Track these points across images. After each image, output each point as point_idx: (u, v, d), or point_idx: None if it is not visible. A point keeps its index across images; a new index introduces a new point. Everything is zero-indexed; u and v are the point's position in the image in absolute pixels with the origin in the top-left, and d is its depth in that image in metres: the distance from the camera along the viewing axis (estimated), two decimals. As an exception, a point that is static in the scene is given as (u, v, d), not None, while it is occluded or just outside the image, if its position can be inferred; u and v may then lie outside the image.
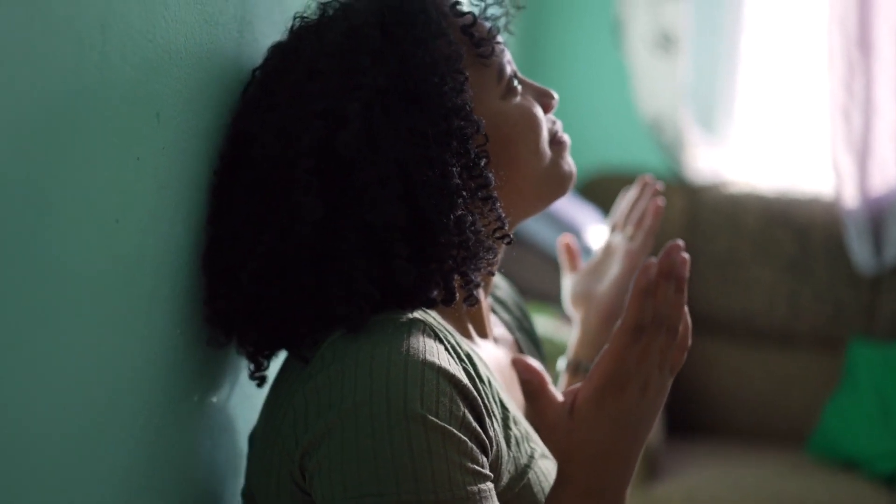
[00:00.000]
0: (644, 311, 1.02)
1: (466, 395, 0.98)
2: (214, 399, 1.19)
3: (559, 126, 1.20)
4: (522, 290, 3.00)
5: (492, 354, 1.18)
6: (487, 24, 1.17)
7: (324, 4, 1.14)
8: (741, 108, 3.65)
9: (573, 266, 1.49)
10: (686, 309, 1.06)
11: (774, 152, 3.65)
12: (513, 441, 1.06)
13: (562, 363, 1.44)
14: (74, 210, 0.87)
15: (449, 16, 1.13)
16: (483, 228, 1.06)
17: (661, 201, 1.42)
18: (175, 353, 1.07)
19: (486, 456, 1.00)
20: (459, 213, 1.03)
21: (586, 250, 3.00)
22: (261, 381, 1.13)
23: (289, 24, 1.14)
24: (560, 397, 1.08)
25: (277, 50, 1.13)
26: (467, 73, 1.09)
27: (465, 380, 0.98)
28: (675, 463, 2.91)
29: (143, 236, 0.98)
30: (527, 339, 1.39)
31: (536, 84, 1.20)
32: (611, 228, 1.49)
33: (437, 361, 0.97)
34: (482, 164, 1.07)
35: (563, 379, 1.45)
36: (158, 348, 1.03)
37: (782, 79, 3.62)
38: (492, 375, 1.07)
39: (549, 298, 2.99)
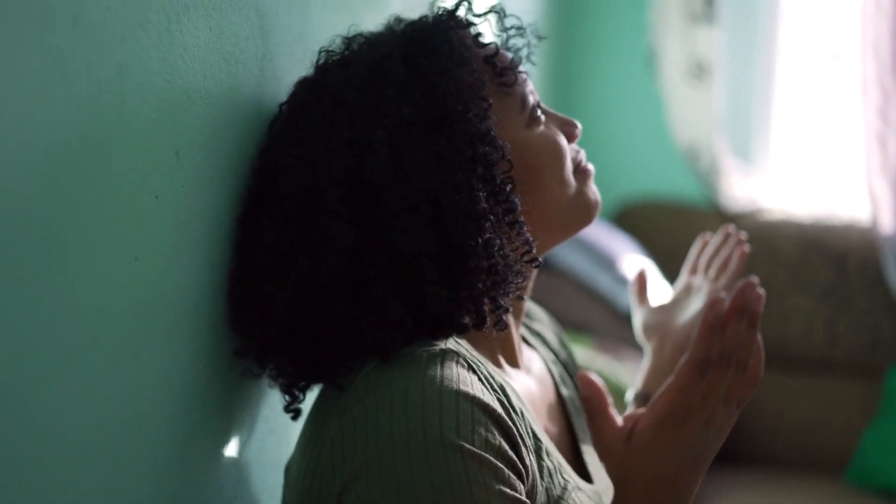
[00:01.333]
0: (711, 346, 1.02)
1: (501, 425, 0.98)
2: (238, 433, 1.19)
3: (583, 155, 1.21)
4: (558, 320, 3.01)
5: (523, 385, 1.18)
6: (510, 55, 1.18)
7: (348, 39, 1.16)
8: (776, 136, 3.63)
9: (644, 298, 1.48)
10: (760, 342, 1.06)
11: (810, 179, 3.63)
12: (545, 472, 1.06)
13: (630, 394, 1.43)
14: (93, 248, 0.88)
15: (472, 47, 1.15)
16: (511, 253, 1.07)
17: (746, 248, 1.43)
18: (197, 389, 1.08)
19: (524, 484, 1.00)
20: (487, 236, 1.04)
21: (621, 280, 2.99)
22: (295, 415, 1.14)
23: (314, 59, 1.16)
24: (620, 420, 1.10)
25: (303, 85, 1.15)
26: (491, 101, 1.10)
27: (500, 409, 0.99)
28: (712, 492, 2.88)
29: (162, 274, 0.99)
30: (565, 373, 1.38)
31: (559, 114, 1.21)
32: (689, 271, 1.48)
33: (470, 391, 0.97)
34: (508, 189, 1.08)
35: (631, 411, 1.44)
36: (179, 384, 1.04)
37: (817, 105, 3.60)
38: (524, 406, 1.08)
39: (585, 328, 2.98)
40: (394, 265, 1.03)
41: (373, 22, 1.49)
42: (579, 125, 1.20)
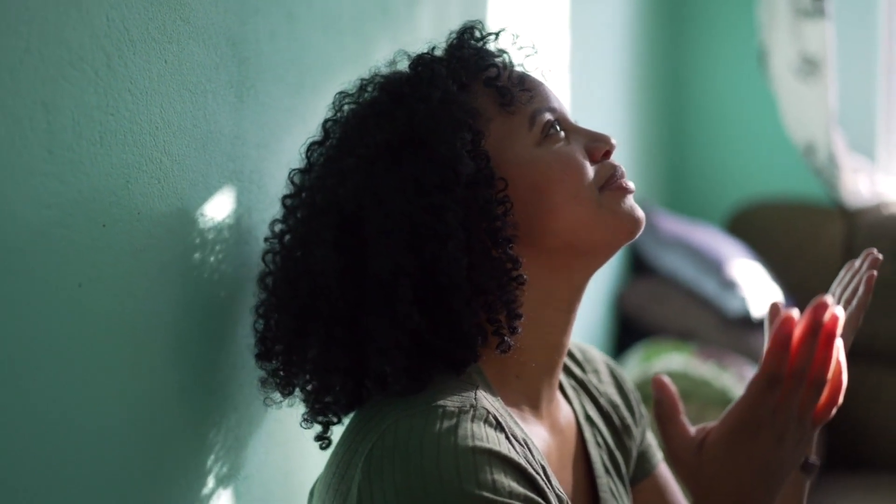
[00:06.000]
0: (780, 361, 1.01)
1: (527, 476, 0.99)
2: (237, 449, 1.23)
3: (619, 172, 1.16)
4: (662, 328, 2.97)
5: (542, 438, 1.17)
6: (519, 74, 1.18)
7: (363, 80, 1.18)
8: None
9: None
10: (843, 366, 1.05)
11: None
12: None
13: None
14: (31, 276, 0.93)
15: (473, 70, 1.16)
16: (498, 270, 1.08)
17: (875, 272, 1.25)
18: (186, 407, 1.13)
19: None
20: (458, 255, 1.05)
21: (729, 284, 2.93)
22: (326, 444, 1.17)
23: (333, 101, 1.19)
24: (691, 430, 1.09)
25: (322, 126, 1.18)
26: (471, 122, 1.11)
27: (530, 468, 1.00)
28: (828, 497, 2.79)
29: (115, 299, 1.03)
30: (605, 428, 1.34)
31: (591, 130, 1.17)
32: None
33: (501, 451, 0.98)
34: (499, 209, 1.08)
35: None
36: (139, 405, 1.08)
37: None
38: (545, 462, 1.08)
39: (690, 335, 2.93)
40: (378, 289, 1.05)
41: (385, 43, 1.52)
42: (612, 141, 1.16)
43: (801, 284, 3.19)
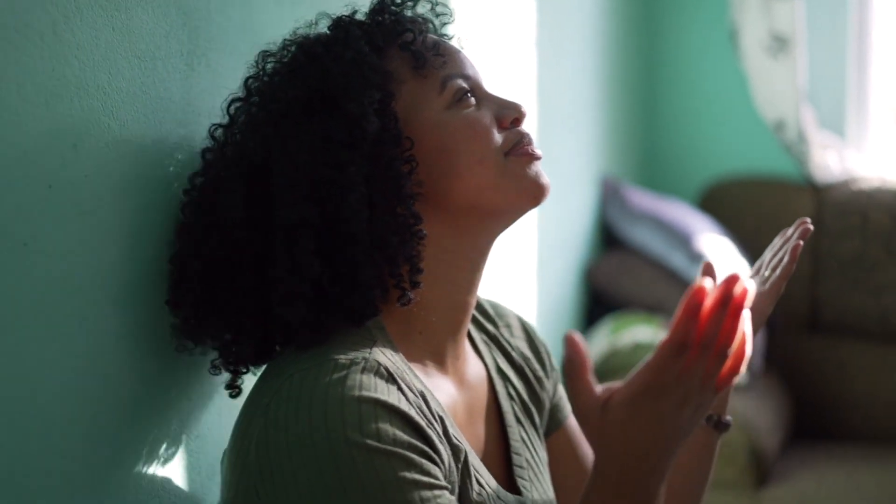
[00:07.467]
0: (688, 330, 1.03)
1: (410, 422, 1.04)
2: (175, 414, 1.26)
3: (527, 139, 1.21)
4: (631, 301, 3.00)
5: (447, 393, 1.21)
6: (434, 40, 1.22)
7: (286, 41, 1.22)
8: (869, 105, 3.55)
9: None
10: (748, 336, 1.08)
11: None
12: (461, 475, 1.12)
13: None
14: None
15: (390, 34, 1.21)
16: (400, 225, 1.13)
17: (802, 243, 1.30)
18: (108, 369, 1.15)
19: (440, 469, 1.05)
20: (359, 208, 1.11)
21: (697, 258, 2.97)
22: (235, 392, 1.23)
23: (254, 58, 1.23)
24: (597, 389, 1.13)
25: (244, 84, 1.23)
26: (379, 82, 1.15)
27: (413, 412, 1.05)
28: (791, 468, 2.82)
29: (59, 260, 1.06)
30: (519, 381, 1.38)
31: (503, 98, 1.22)
32: (754, 271, 1.39)
33: (389, 400, 1.04)
34: (403, 168, 1.14)
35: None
36: (86, 364, 1.11)
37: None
38: (444, 412, 1.13)
39: (658, 308, 2.97)
40: (283, 240, 1.10)
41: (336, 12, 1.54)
42: (522, 109, 1.21)
43: (772, 259, 3.22)
